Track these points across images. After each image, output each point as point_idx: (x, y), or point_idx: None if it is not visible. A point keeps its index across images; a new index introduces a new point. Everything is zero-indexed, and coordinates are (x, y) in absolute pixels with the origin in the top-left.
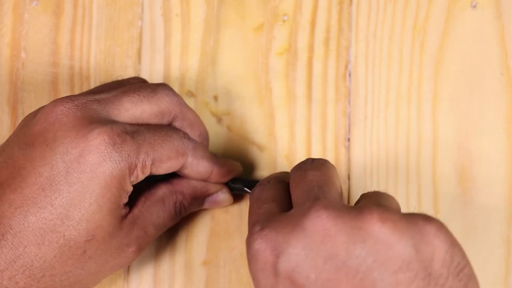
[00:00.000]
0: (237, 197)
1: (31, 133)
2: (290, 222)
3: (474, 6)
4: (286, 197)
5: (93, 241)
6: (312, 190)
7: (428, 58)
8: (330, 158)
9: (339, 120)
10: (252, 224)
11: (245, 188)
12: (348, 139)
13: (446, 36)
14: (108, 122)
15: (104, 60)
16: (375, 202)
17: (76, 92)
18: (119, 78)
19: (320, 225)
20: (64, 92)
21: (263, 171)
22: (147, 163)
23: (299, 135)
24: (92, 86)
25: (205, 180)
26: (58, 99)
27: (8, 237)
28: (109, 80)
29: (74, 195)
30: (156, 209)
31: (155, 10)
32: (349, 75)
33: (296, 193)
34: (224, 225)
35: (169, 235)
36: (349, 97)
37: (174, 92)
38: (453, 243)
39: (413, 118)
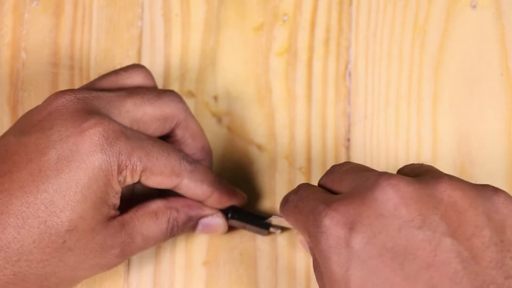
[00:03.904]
0: None
1: (29, 122)
2: (357, 196)
3: (474, 6)
4: (328, 191)
5: (75, 231)
6: (365, 172)
7: (428, 58)
8: (330, 158)
9: (339, 120)
10: (310, 211)
11: (244, 222)
12: (348, 139)
13: (446, 36)
14: (106, 117)
15: (104, 60)
16: (436, 171)
17: None
18: (118, 67)
19: (392, 193)
20: None
21: (263, 171)
22: (137, 168)
23: (299, 135)
24: None
25: (201, 202)
26: (60, 91)
27: None
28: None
29: (61, 182)
30: (147, 220)
31: (155, 10)
32: (349, 75)
33: (344, 183)
34: None
35: None
36: (349, 97)
37: (181, 99)
38: None
39: (413, 118)
